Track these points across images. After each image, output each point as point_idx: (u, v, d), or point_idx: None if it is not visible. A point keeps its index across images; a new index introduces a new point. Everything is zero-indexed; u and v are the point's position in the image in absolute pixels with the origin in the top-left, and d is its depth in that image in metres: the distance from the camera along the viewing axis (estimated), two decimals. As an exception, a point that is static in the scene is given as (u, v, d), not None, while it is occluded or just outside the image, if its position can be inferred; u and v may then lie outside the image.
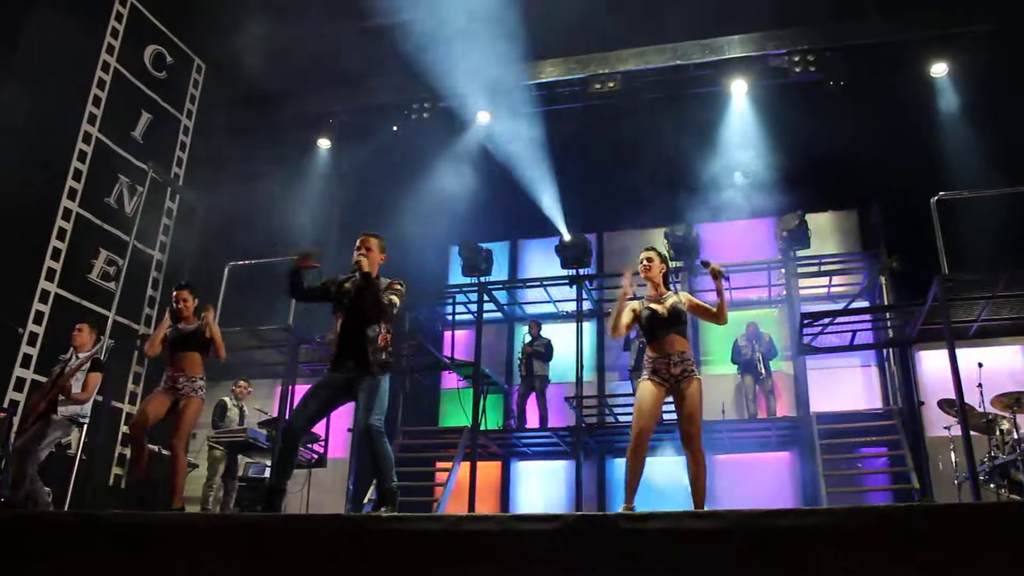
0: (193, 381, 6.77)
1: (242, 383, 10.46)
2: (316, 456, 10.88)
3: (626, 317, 5.56)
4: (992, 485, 8.51)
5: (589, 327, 13.79)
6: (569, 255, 12.87)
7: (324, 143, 14.09)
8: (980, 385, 8.92)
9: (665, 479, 11.02)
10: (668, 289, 5.70)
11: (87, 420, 8.20)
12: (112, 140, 12.08)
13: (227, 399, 10.22)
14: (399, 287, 5.54)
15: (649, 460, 5.44)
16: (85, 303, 11.33)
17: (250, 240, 12.13)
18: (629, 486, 5.34)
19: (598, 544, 3.46)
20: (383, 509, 5.19)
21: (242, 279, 11.97)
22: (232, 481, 9.78)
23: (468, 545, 3.58)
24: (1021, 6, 10.71)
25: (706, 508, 5.22)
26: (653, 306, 5.56)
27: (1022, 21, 10.76)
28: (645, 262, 5.71)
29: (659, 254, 5.75)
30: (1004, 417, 8.38)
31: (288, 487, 5.39)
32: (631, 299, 5.66)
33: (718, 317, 5.57)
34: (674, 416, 5.55)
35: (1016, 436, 8.21)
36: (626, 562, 3.42)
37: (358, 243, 5.46)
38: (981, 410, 8.74)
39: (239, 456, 9.89)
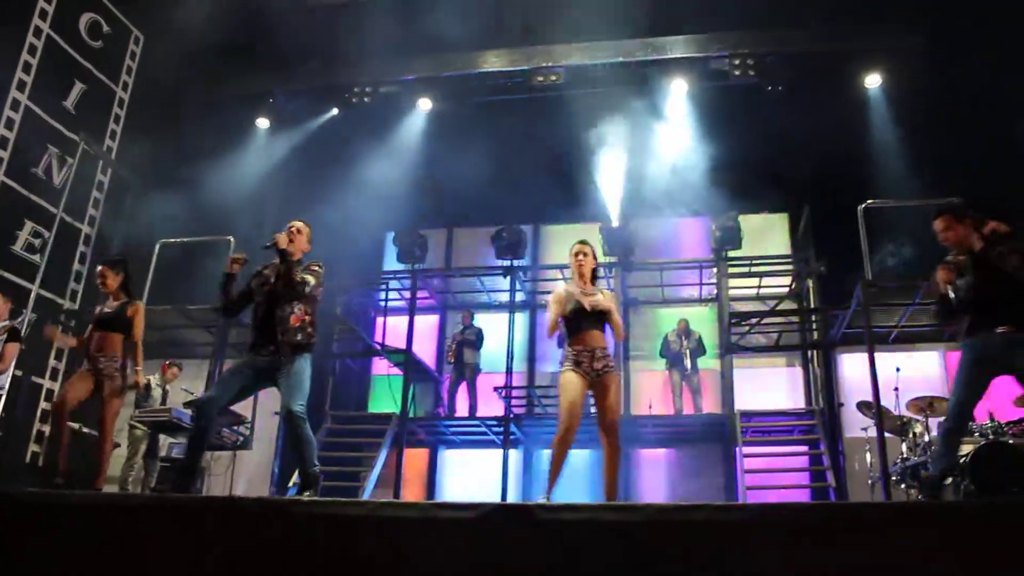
0: (115, 361, 6.65)
1: (173, 368, 10.48)
2: (242, 438, 10.72)
3: (555, 311, 5.68)
4: (903, 486, 8.84)
5: (521, 318, 14.07)
6: (504, 246, 13.01)
7: (263, 123, 14.06)
8: (897, 389, 9.31)
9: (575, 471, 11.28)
10: (595, 285, 5.82)
11: (3, 392, 8.18)
12: (42, 109, 11.90)
13: (152, 378, 10.13)
14: (317, 268, 5.63)
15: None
16: (7, 275, 11.18)
17: (183, 218, 12.09)
18: (552, 476, 5.45)
19: (515, 534, 3.56)
20: (306, 493, 5.30)
21: (173, 257, 12.07)
22: (153, 461, 9.63)
23: (389, 531, 3.68)
24: (953, 24, 11.07)
25: (625, 501, 5.56)
26: (580, 299, 5.65)
27: (953, 39, 11.13)
28: (580, 256, 5.81)
29: (592, 248, 5.87)
30: (918, 420, 8.70)
31: (211, 468, 5.52)
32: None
33: (615, 331, 5.73)
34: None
35: (928, 439, 8.58)
36: (543, 552, 3.53)
37: (288, 226, 5.60)
38: (897, 413, 9.11)
39: (162, 436, 9.83)
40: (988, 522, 3.42)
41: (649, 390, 13.29)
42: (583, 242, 5.90)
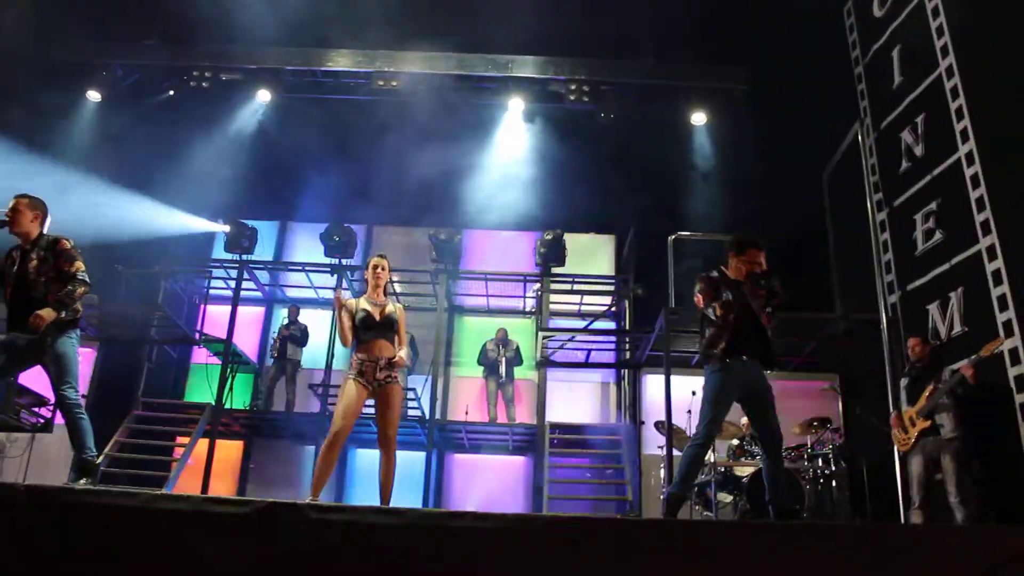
0: None
1: None
2: (42, 421, 10.54)
3: (347, 321, 5.89)
4: (692, 502, 9.58)
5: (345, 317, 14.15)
6: (334, 244, 13.31)
7: (93, 96, 13.89)
8: (690, 411, 10.07)
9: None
10: (386, 297, 6.07)
11: None
12: None
13: None
14: (67, 244, 5.57)
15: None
16: None
17: None
18: (317, 481, 5.61)
19: (285, 532, 3.65)
20: (82, 481, 5.34)
21: None
22: None
23: (160, 524, 3.70)
24: (774, 74, 12.08)
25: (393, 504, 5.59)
26: (369, 308, 5.88)
27: (773, 87, 12.04)
28: (378, 269, 6.03)
29: (387, 263, 6.16)
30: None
31: (6, 450, 5.47)
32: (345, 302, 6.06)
33: (399, 343, 5.99)
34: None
35: (713, 460, 9.37)
36: (311, 551, 3.63)
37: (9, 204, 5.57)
38: (689, 433, 9.75)
39: None
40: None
41: (466, 396, 13.83)
42: (381, 256, 6.18)
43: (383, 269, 6.08)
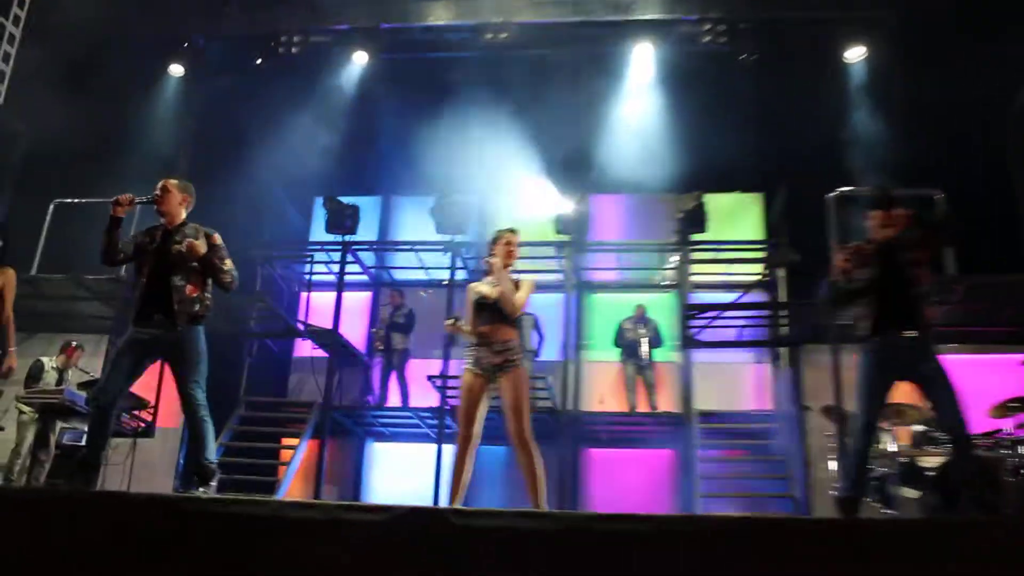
0: None
1: (74, 348, 10.84)
2: (143, 425, 11.41)
3: (470, 315, 6.07)
4: (868, 499, 9.35)
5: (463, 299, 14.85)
6: (445, 219, 13.77)
7: (176, 70, 14.88)
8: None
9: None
10: (510, 276, 6.16)
11: None
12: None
13: (46, 360, 10.65)
14: (216, 240, 6.02)
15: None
16: None
17: (81, 175, 12.83)
18: (455, 486, 5.81)
19: (427, 539, 3.81)
20: (200, 489, 5.70)
21: (68, 219, 12.76)
22: (45, 450, 10.04)
23: (291, 534, 3.92)
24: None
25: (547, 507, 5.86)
26: (483, 289, 6.08)
27: (939, 11, 12.32)
28: (509, 246, 6.19)
29: (517, 239, 6.30)
30: (885, 430, 9.11)
31: (108, 459, 6.16)
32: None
33: (509, 306, 6.02)
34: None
35: (895, 449, 9.19)
36: (455, 560, 3.77)
37: (157, 186, 6.07)
38: (863, 419, 10.08)
39: (54, 422, 10.18)
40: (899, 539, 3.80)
41: (601, 383, 14.48)
42: (512, 230, 6.35)
43: (514, 245, 6.24)
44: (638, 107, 14.35)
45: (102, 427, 5.73)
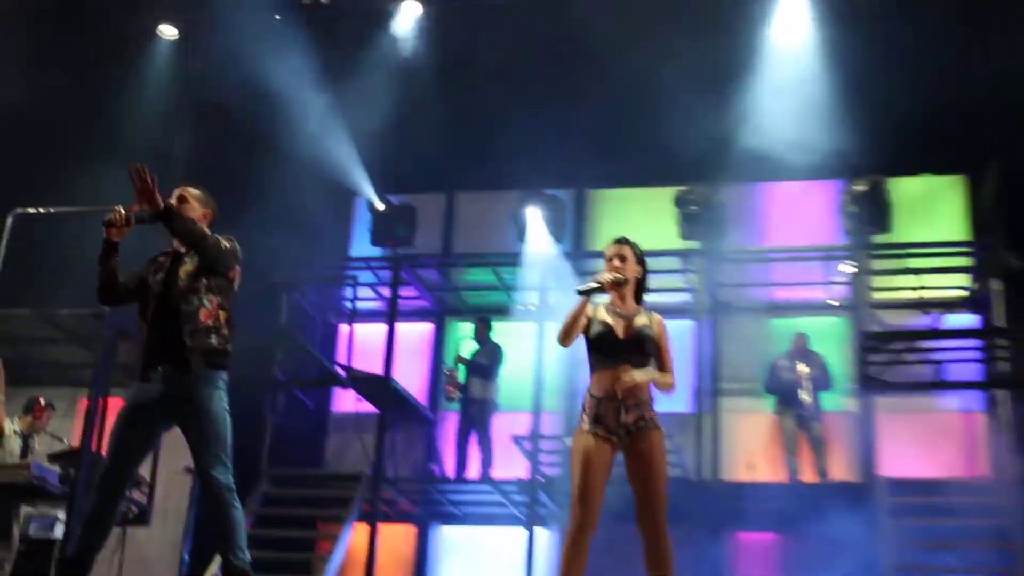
0: None
1: (43, 407, 10.83)
2: (136, 510, 11.20)
3: (581, 320, 5.82)
4: None
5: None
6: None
7: (168, 31, 14.44)
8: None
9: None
10: (639, 303, 6.01)
11: None
12: None
13: (6, 422, 10.42)
14: (228, 243, 5.88)
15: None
16: None
17: (49, 175, 12.44)
18: None
19: None
20: None
21: (33, 236, 11.69)
22: (4, 543, 9.82)
23: None
24: None
25: None
26: (610, 319, 5.83)
27: None
28: (615, 259, 5.97)
29: (634, 249, 6.04)
30: None
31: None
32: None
33: (661, 380, 5.86)
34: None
35: None
36: None
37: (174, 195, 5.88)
38: None
39: (18, 506, 9.98)
40: None
41: (749, 442, 13.75)
42: (620, 241, 6.07)
43: (623, 259, 5.98)
44: (787, 66, 13.50)
45: (103, 522, 5.59)
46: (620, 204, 15.00)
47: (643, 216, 14.26)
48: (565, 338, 5.79)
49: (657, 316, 5.97)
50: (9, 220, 11.41)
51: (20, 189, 12.03)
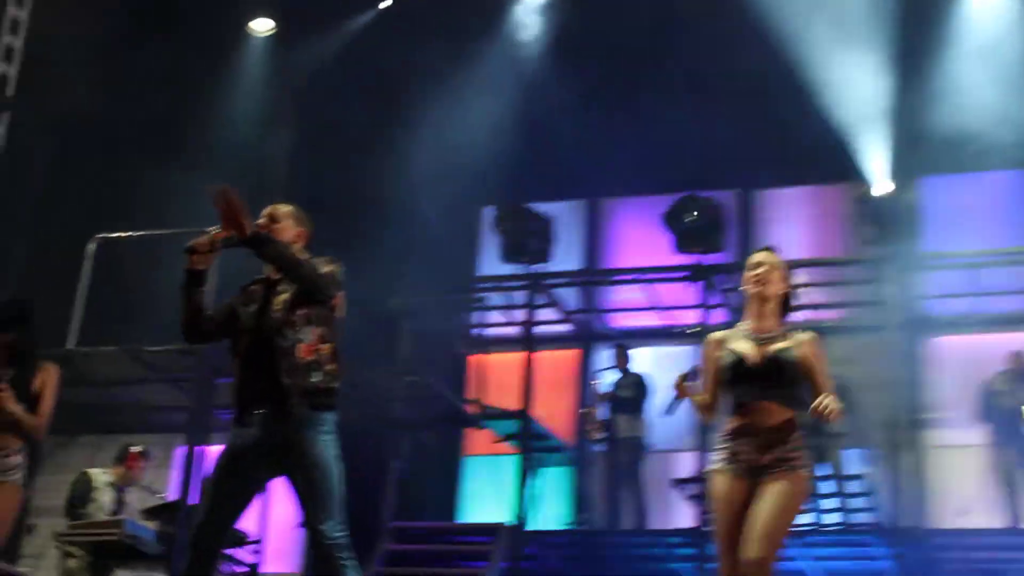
0: (4, 457, 6.86)
1: (136, 456, 10.60)
2: (246, 569, 11.38)
3: (710, 384, 5.77)
4: None
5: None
6: (687, 230, 13.12)
7: (263, 25, 14.38)
8: None
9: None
10: (783, 322, 5.85)
11: None
12: None
13: (96, 473, 10.36)
14: (330, 267, 5.71)
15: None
16: None
17: (132, 197, 12.42)
18: None
19: None
20: None
21: (117, 263, 12.23)
22: None
23: None
24: None
25: None
26: (742, 347, 5.67)
27: None
28: (761, 270, 5.82)
29: (779, 260, 5.95)
30: None
31: None
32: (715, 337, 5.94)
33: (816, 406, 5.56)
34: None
35: None
36: None
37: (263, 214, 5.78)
38: None
39: (111, 569, 9.92)
40: None
41: (959, 481, 13.15)
42: (766, 249, 6.02)
43: (771, 271, 5.83)
44: (989, 26, 12.92)
45: None
46: (782, 203, 14.73)
47: (816, 219, 14.11)
48: (707, 412, 5.81)
49: (806, 335, 5.80)
50: (91, 248, 11.76)
51: (102, 211, 12.36)
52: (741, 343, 5.70)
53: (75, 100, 12.34)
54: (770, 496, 5.46)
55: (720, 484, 5.59)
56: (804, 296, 11.14)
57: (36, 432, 7.11)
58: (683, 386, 5.82)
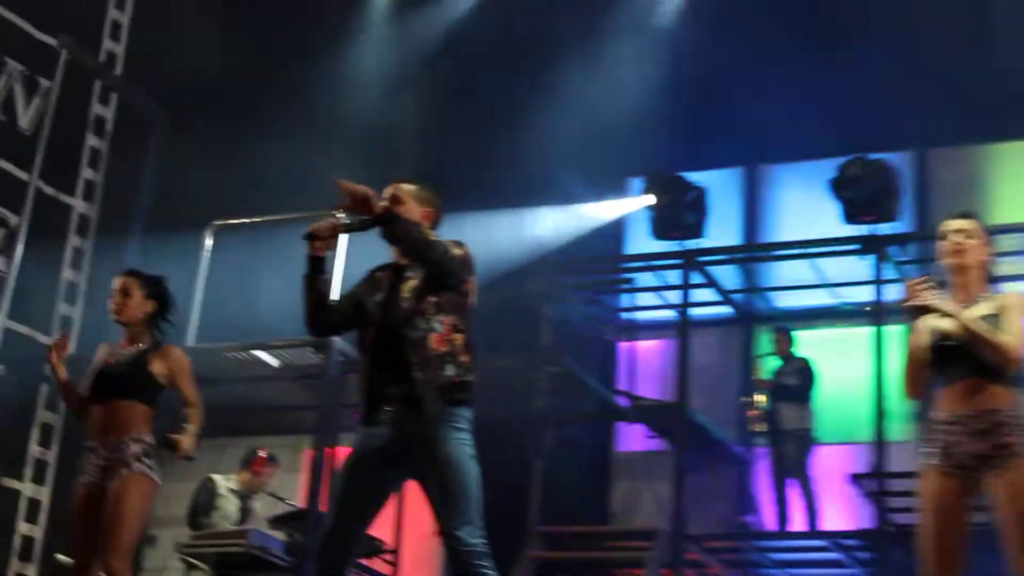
0: (127, 445, 6.50)
1: (263, 460, 10.57)
2: None
3: (913, 354, 5.55)
4: None
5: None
6: (857, 197, 12.64)
7: None
8: None
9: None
10: (986, 289, 5.65)
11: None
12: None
13: (219, 479, 10.34)
14: (459, 250, 5.48)
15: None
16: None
17: (250, 180, 12.23)
18: None
19: None
20: None
21: (237, 251, 12.19)
22: None
23: None
24: None
25: None
26: (942, 323, 5.43)
27: None
28: (959, 239, 5.61)
29: (979, 226, 5.71)
30: None
31: None
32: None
33: (999, 350, 5.32)
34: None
35: None
36: None
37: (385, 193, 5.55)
38: None
39: None
40: None
41: None
42: (962, 215, 5.77)
43: (970, 237, 5.62)
44: None
45: None
46: (961, 164, 14.28)
47: (1004, 181, 13.58)
48: (913, 387, 5.62)
49: (1009, 297, 5.62)
50: (207, 238, 11.99)
51: (219, 192, 12.27)
52: (944, 320, 5.45)
53: (187, 74, 12.20)
54: (1014, 494, 5.15)
55: (932, 482, 5.34)
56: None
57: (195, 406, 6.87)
58: (917, 288, 5.50)
